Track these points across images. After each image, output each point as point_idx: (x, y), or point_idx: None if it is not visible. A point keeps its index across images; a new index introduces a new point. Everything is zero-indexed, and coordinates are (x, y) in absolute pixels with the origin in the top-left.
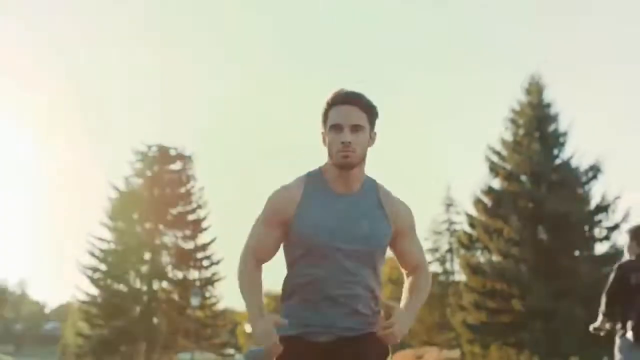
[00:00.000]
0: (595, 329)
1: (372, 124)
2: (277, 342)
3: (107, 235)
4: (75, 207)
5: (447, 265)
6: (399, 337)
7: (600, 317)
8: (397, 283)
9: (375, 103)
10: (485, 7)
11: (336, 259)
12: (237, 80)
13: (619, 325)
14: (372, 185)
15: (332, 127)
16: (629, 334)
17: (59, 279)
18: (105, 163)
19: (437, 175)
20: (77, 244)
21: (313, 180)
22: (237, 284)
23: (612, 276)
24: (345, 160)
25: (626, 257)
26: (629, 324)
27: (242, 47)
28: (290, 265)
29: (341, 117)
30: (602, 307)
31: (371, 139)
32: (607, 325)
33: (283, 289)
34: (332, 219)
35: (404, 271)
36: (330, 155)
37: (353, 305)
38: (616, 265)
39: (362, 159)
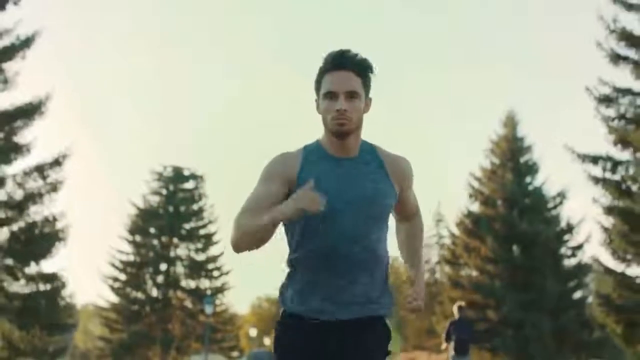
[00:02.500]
0: (443, 348)
1: (367, 88)
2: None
3: (127, 248)
4: (84, 220)
5: (437, 276)
6: (422, 305)
7: (444, 343)
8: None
9: (370, 61)
10: (485, 7)
11: (342, 222)
12: (243, 101)
13: (450, 346)
14: (370, 148)
15: (327, 94)
16: (452, 352)
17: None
18: (122, 178)
19: (430, 189)
20: (85, 251)
21: (311, 148)
22: (237, 239)
23: (447, 325)
24: (341, 128)
25: (456, 317)
26: (452, 345)
27: (245, 58)
28: (293, 236)
29: (335, 83)
30: (444, 338)
31: (367, 105)
32: (448, 347)
33: (288, 265)
34: (335, 182)
35: (396, 216)
36: (325, 123)
37: (360, 276)
38: (449, 321)
39: (358, 126)
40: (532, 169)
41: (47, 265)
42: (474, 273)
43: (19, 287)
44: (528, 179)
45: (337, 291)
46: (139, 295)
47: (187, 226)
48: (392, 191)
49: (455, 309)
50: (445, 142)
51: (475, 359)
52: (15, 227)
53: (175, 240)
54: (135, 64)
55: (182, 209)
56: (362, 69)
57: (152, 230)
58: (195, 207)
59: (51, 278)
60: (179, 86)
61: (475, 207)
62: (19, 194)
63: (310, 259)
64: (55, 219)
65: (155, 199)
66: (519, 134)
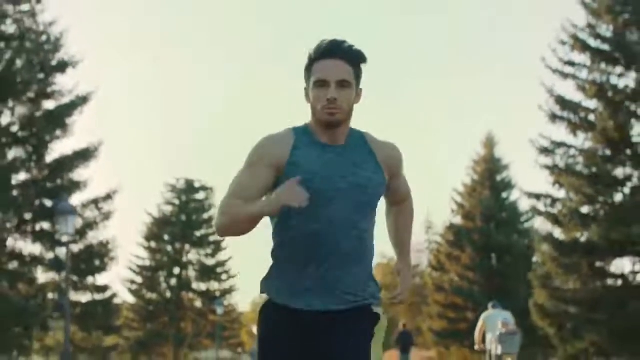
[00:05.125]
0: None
1: (358, 78)
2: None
3: (143, 253)
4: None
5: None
6: (406, 297)
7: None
8: (390, 289)
9: (362, 51)
10: (485, 10)
11: (331, 210)
12: (243, 102)
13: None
14: (359, 136)
15: (317, 83)
16: (399, 352)
17: None
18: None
19: (422, 195)
20: None
21: (300, 132)
22: (223, 225)
23: (395, 338)
24: (331, 118)
25: (401, 329)
26: (400, 346)
27: (245, 59)
28: (280, 220)
29: (326, 72)
30: (394, 340)
31: (357, 95)
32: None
33: (273, 255)
34: (325, 168)
35: (386, 200)
36: (314, 112)
37: (349, 266)
38: (397, 333)
39: (348, 117)
40: (508, 186)
41: (101, 279)
42: (456, 279)
43: (80, 296)
44: (504, 195)
45: (325, 281)
46: (154, 296)
47: (198, 233)
48: (382, 179)
49: (400, 325)
50: (440, 148)
51: (457, 355)
52: (76, 248)
53: (187, 246)
54: (136, 66)
55: (194, 217)
56: (353, 58)
57: (166, 237)
58: (205, 216)
59: (104, 289)
60: (181, 89)
61: (458, 219)
62: (79, 223)
63: (298, 247)
64: (107, 242)
65: (168, 209)
66: (497, 154)
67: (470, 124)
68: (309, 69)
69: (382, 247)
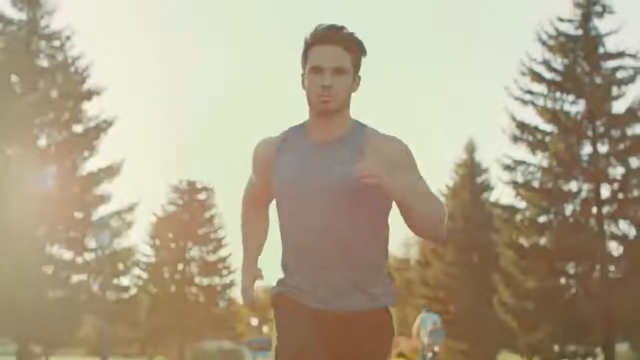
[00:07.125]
0: None
1: (356, 65)
2: (252, 300)
3: (148, 250)
4: None
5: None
6: (377, 177)
7: None
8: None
9: (360, 39)
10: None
11: (309, 214)
12: (246, 89)
13: None
14: (360, 130)
15: (312, 69)
16: None
17: None
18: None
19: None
20: None
21: (294, 131)
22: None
23: None
24: (325, 106)
25: None
26: None
27: (247, 45)
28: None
29: (322, 58)
30: None
31: (355, 82)
32: None
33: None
34: (303, 169)
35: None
36: (309, 100)
37: (333, 272)
38: None
39: (345, 105)
40: (487, 187)
41: (125, 280)
42: (439, 273)
43: (108, 295)
44: (484, 196)
45: (315, 285)
46: (159, 291)
47: (200, 231)
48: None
49: None
50: (434, 137)
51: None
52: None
53: (189, 243)
54: (135, 57)
55: (196, 216)
56: (351, 44)
57: (170, 235)
58: (206, 215)
59: (127, 288)
60: (181, 91)
61: None
62: None
63: (288, 253)
64: (130, 249)
65: (172, 208)
66: (477, 159)
67: (454, 127)
68: (305, 55)
69: None
